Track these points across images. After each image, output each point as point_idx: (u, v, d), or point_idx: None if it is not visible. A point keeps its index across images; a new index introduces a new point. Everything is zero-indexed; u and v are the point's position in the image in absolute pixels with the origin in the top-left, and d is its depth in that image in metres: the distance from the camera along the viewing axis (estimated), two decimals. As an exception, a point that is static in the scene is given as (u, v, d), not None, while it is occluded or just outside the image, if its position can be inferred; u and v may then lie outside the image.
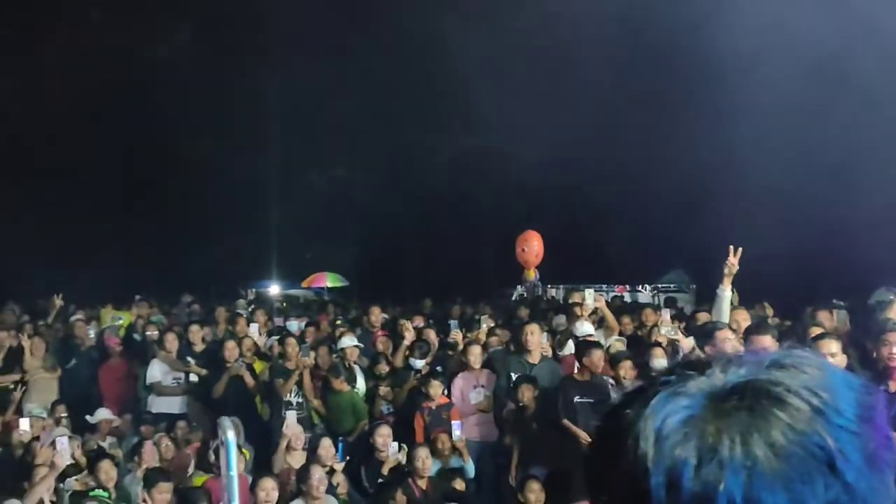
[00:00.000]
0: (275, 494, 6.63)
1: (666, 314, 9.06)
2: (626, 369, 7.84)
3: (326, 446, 7.69)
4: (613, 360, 8.07)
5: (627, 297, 25.84)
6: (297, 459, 7.96)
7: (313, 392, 9.04)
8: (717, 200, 19.93)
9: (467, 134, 23.34)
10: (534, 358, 8.65)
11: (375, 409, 9.09)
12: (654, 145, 22.02)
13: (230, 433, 1.39)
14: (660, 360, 8.54)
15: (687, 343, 8.31)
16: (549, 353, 9.15)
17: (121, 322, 12.06)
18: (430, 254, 27.69)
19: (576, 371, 8.22)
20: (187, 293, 16.26)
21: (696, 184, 20.17)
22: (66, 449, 6.42)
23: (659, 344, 8.79)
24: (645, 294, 26.48)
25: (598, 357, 8.01)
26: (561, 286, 27.52)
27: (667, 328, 8.73)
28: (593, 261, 25.64)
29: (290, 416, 7.99)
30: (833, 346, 6.15)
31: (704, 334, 6.35)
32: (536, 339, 8.71)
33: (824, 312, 9.25)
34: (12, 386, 9.50)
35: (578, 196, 24.04)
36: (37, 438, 7.73)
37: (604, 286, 27.71)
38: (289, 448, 7.95)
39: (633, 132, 22.18)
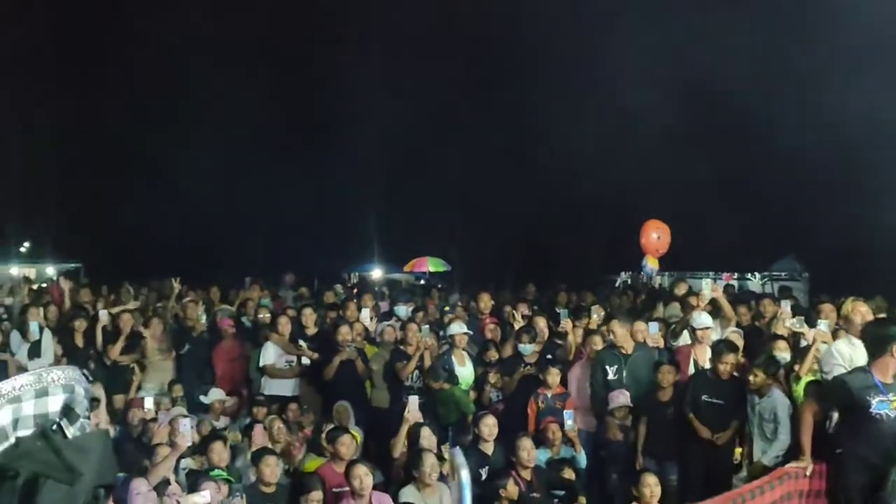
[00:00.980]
0: (369, 480, 6.62)
1: (786, 306, 8.68)
2: (728, 363, 7.56)
3: (427, 435, 7.65)
4: (714, 353, 7.78)
5: (736, 286, 25.14)
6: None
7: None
8: (831, 186, 19.17)
9: (577, 119, 22.93)
10: (627, 349, 8.42)
11: (484, 396, 9.02)
12: (758, 134, 21.32)
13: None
14: (783, 354, 8.22)
15: (811, 335, 7.98)
16: (660, 343, 8.88)
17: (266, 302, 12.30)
18: (533, 239, 27.48)
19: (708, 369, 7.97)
20: (290, 273, 16.40)
21: (808, 169, 19.38)
22: (188, 430, 6.56)
23: (782, 336, 8.45)
24: (754, 282, 25.69)
25: (730, 360, 7.76)
26: (666, 274, 27.00)
27: (790, 320, 8.38)
28: (700, 248, 24.94)
29: (413, 401, 7.91)
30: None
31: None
32: (621, 332, 8.52)
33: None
34: (132, 366, 9.78)
35: (684, 183, 23.42)
36: (154, 419, 7.96)
37: (711, 274, 27.10)
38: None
39: (741, 120, 21.45)
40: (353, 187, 29.28)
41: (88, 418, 1.10)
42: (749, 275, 25.96)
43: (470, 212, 28.61)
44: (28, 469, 1.00)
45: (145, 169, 28.18)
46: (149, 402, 8.08)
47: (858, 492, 5.66)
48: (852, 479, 5.69)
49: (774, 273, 25.39)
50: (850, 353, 6.72)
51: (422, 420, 7.91)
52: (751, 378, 7.50)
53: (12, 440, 1.01)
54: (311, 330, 10.03)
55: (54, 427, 1.04)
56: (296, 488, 6.25)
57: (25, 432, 1.02)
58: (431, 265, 25.82)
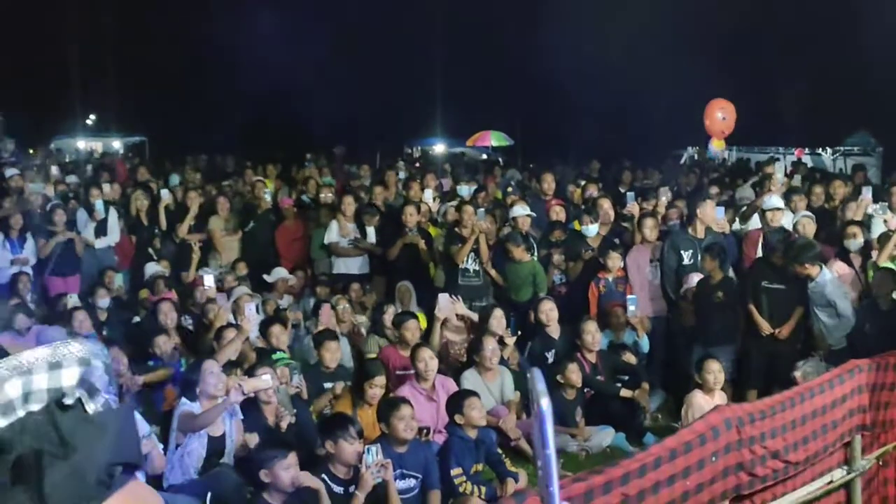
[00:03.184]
0: (434, 364, 6.66)
1: (867, 192, 8.32)
2: (809, 269, 7.29)
3: (498, 317, 7.64)
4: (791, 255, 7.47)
5: (808, 160, 24.41)
6: (457, 332, 7.97)
7: (488, 259, 8.95)
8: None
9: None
10: (699, 233, 8.20)
11: (548, 278, 8.96)
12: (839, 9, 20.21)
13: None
14: (857, 240, 7.98)
15: (894, 222, 7.72)
16: (726, 228, 8.64)
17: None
18: (594, 112, 26.84)
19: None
20: (341, 146, 16.24)
21: (882, 39, 18.35)
22: (253, 314, 6.65)
23: (856, 222, 8.17)
24: (826, 157, 24.89)
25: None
26: (735, 149, 26.29)
27: (873, 206, 8.08)
28: (770, 123, 24.11)
29: (443, 299, 7.85)
30: None
31: None
32: (708, 215, 8.25)
33: None
34: (200, 244, 9.93)
35: (751, 57, 22.45)
36: (213, 300, 8.05)
37: (780, 149, 26.32)
38: (445, 325, 7.94)
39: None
40: (417, 61, 28.80)
41: (113, 394, 1.04)
42: (820, 150, 25.16)
43: (533, 85, 27.98)
44: (26, 444, 0.95)
45: (207, 43, 27.96)
46: (209, 280, 8.15)
47: None
48: None
49: (847, 148, 24.54)
50: None
51: (451, 316, 7.87)
52: (798, 269, 7.24)
53: (21, 414, 0.95)
54: (380, 205, 10.00)
55: (70, 401, 0.98)
56: (360, 374, 6.33)
57: (37, 406, 0.97)
58: (494, 139, 25.46)
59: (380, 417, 5.50)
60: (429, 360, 6.62)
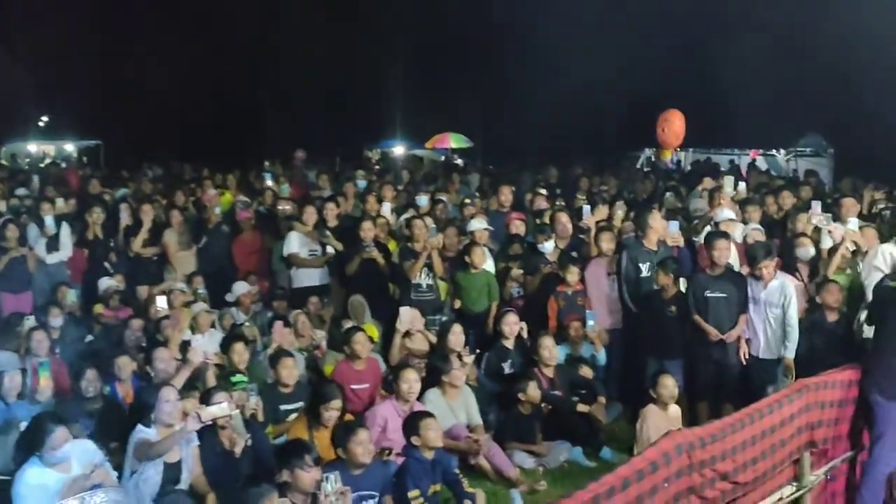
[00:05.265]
0: (417, 386, 6.69)
1: (816, 207, 8.49)
2: (769, 268, 7.39)
3: (457, 332, 7.68)
4: (751, 259, 7.58)
5: (762, 162, 24.80)
6: (419, 344, 8.01)
7: (444, 272, 8.98)
8: (857, 62, 18.56)
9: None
10: (652, 244, 8.24)
11: (505, 291, 9.01)
12: (793, 9, 20.52)
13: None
14: (807, 250, 8.14)
15: (839, 234, 7.87)
16: (680, 241, 8.75)
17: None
18: (554, 115, 26.98)
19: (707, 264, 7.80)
20: (301, 150, 16.12)
21: (835, 45, 18.71)
22: (199, 348, 6.64)
23: (806, 234, 8.33)
24: (780, 158, 25.32)
25: (723, 247, 7.59)
26: (692, 150, 26.60)
27: (818, 217, 8.23)
28: (726, 124, 24.45)
29: (404, 312, 7.94)
30: None
31: None
32: (658, 227, 8.30)
33: None
34: (154, 258, 9.82)
35: (712, 58, 22.71)
36: (167, 317, 7.98)
37: (736, 150, 26.71)
38: (408, 337, 7.98)
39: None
40: (376, 64, 28.72)
41: None
42: (775, 151, 25.60)
43: (492, 86, 28.06)
44: None
45: (166, 45, 27.61)
46: (161, 301, 8.06)
47: None
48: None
49: (800, 149, 25.00)
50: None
51: (412, 329, 7.94)
52: (763, 270, 7.33)
53: None
54: (333, 223, 9.96)
55: None
56: (316, 396, 6.32)
57: None
58: (453, 141, 25.50)
59: (336, 443, 5.50)
60: (413, 382, 6.64)
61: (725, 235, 7.85)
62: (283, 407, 6.87)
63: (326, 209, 10.00)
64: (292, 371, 6.96)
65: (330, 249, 9.71)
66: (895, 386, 5.68)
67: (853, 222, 7.85)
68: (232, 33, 25.95)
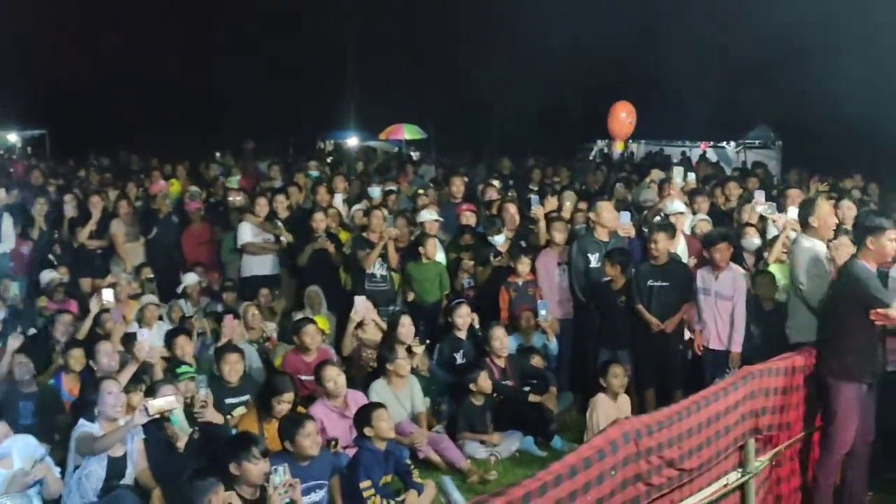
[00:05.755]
0: (342, 380, 6.66)
1: (760, 196, 8.62)
2: (722, 251, 7.46)
3: (406, 324, 7.67)
4: (707, 242, 7.70)
5: (712, 154, 25.16)
6: (372, 334, 7.98)
7: (396, 264, 8.96)
8: (805, 55, 18.90)
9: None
10: (602, 236, 8.30)
11: (457, 282, 9.01)
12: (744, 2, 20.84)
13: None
14: (753, 240, 8.25)
15: (781, 222, 7.97)
16: (631, 232, 8.82)
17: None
18: (509, 107, 27.07)
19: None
20: (251, 141, 15.95)
21: (783, 37, 19.02)
22: (145, 342, 6.53)
23: (752, 224, 8.45)
24: (730, 150, 25.71)
25: (660, 239, 7.65)
26: (644, 142, 26.87)
27: (762, 207, 8.35)
28: (677, 117, 24.73)
29: (359, 301, 7.94)
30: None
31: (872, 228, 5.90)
32: (608, 218, 8.33)
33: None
34: (100, 251, 9.65)
35: (665, 52, 22.95)
36: (108, 310, 7.82)
37: (687, 142, 27.06)
38: (360, 327, 7.96)
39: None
40: (330, 54, 28.46)
41: None
42: (725, 143, 25.99)
43: (447, 78, 27.99)
44: None
45: (113, 33, 27.05)
46: (107, 294, 7.91)
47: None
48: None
49: (749, 141, 25.41)
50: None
51: (366, 319, 7.95)
52: (716, 255, 7.42)
53: None
54: (284, 214, 9.88)
55: None
56: (268, 387, 6.25)
57: None
58: (407, 132, 25.33)
59: (283, 436, 5.45)
60: (336, 377, 6.61)
61: (665, 228, 7.89)
62: (229, 400, 6.78)
63: (277, 200, 9.92)
64: (235, 367, 6.85)
65: (282, 240, 9.65)
66: (846, 367, 5.83)
67: (794, 212, 7.93)
68: (180, 21, 25.49)
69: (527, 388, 7.74)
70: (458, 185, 10.40)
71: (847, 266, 6.02)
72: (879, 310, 5.67)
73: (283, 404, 6.02)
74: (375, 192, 10.82)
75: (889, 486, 6.30)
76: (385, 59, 28.00)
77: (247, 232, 9.67)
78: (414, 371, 7.40)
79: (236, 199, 10.55)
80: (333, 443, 6.29)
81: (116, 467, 5.53)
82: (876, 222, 5.84)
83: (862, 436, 5.94)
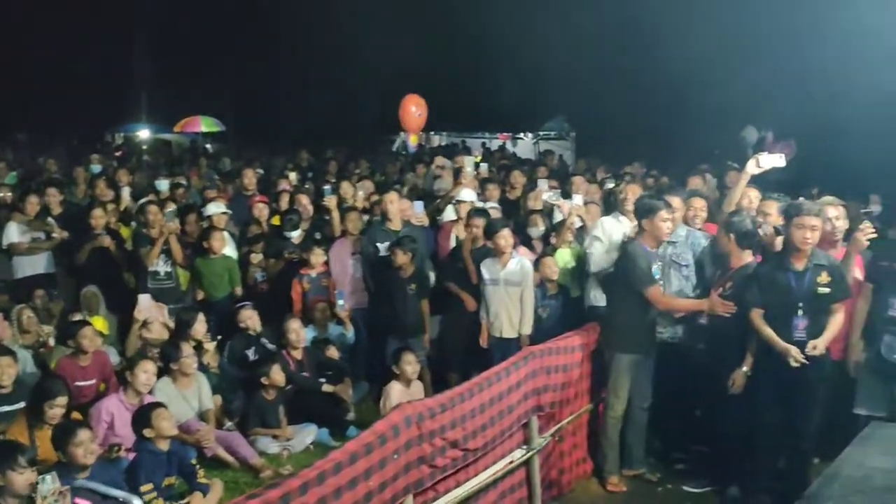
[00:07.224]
0: (154, 379, 6.42)
1: (543, 184, 8.97)
2: (506, 238, 7.65)
3: (201, 320, 7.42)
4: (491, 230, 7.87)
5: (510, 145, 26.05)
6: (157, 333, 7.68)
7: (184, 260, 8.63)
8: (603, 46, 19.84)
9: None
10: (395, 225, 8.39)
11: (249, 276, 8.81)
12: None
13: None
14: (538, 229, 8.54)
15: (567, 208, 8.29)
16: (425, 221, 8.94)
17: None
18: (308, 101, 26.77)
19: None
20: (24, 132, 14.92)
21: (582, 27, 19.86)
22: None
23: (538, 211, 8.76)
24: (527, 142, 26.71)
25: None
26: (444, 134, 27.40)
27: (547, 194, 8.69)
28: (478, 110, 25.40)
29: (143, 300, 7.67)
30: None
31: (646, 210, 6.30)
32: (395, 208, 8.43)
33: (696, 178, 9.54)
34: None
35: (464, 46, 23.44)
36: None
37: (487, 134, 27.88)
38: (145, 326, 7.65)
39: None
40: (121, 45, 27.07)
41: None
42: (522, 134, 26.98)
43: (247, 73, 27.40)
44: None
45: None
46: None
47: None
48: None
49: (545, 133, 26.50)
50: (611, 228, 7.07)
51: (158, 314, 7.69)
52: (500, 242, 7.58)
53: None
54: (57, 211, 9.28)
55: None
56: (39, 391, 5.85)
57: None
58: (204, 125, 24.61)
59: (56, 445, 5.12)
60: (152, 374, 6.37)
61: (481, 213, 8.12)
62: (2, 409, 6.30)
63: (48, 195, 9.29)
64: (6, 370, 6.37)
65: (54, 236, 9.07)
66: (623, 340, 6.29)
67: (577, 198, 8.29)
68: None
69: (322, 380, 7.68)
70: (249, 178, 10.16)
71: (625, 245, 6.45)
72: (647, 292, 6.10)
73: (56, 409, 5.64)
74: (163, 185, 10.38)
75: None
76: (181, 51, 26.98)
77: (13, 232, 9.03)
78: (204, 368, 7.17)
79: (6, 195, 9.82)
80: (116, 448, 5.97)
81: None
82: (649, 205, 6.26)
83: (639, 401, 6.39)
